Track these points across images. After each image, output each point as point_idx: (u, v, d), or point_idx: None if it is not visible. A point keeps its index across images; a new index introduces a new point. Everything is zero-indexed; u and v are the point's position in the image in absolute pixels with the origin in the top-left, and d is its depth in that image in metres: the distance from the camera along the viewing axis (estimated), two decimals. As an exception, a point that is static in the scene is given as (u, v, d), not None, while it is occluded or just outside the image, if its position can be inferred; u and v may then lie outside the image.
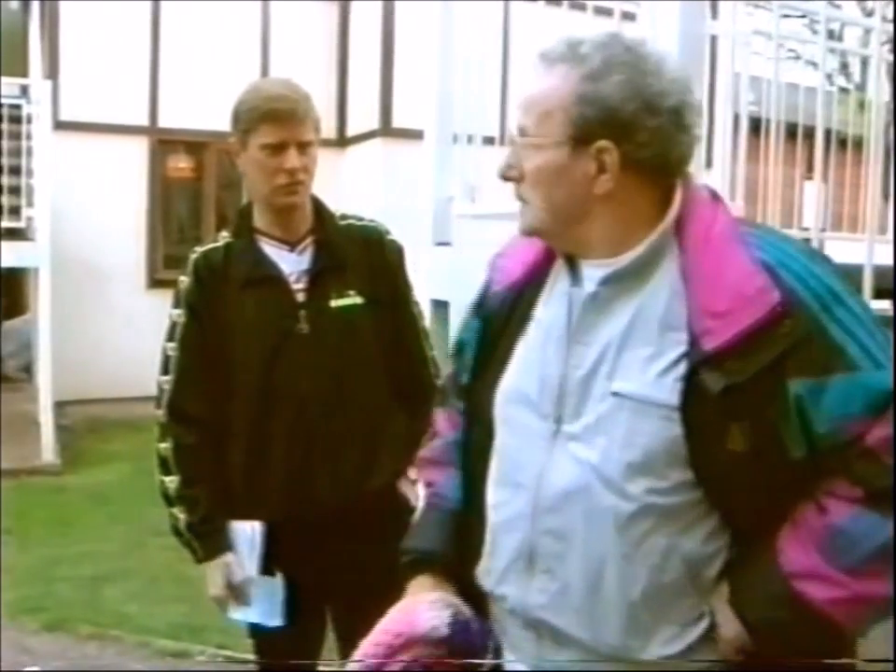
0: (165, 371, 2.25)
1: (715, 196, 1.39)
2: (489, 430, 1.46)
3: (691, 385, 1.26)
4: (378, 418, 2.27)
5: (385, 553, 2.28)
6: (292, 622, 2.23)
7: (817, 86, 3.01)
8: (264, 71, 9.42)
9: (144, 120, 9.54)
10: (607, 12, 3.10)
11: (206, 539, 2.22)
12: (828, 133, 3.74)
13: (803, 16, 5.75)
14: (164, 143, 9.68)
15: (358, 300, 2.23)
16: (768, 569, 1.29)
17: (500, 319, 1.50)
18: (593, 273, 1.38)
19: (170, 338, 2.25)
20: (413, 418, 2.21)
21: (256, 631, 2.33)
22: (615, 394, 1.31)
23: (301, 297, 2.22)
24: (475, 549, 1.46)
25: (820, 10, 3.00)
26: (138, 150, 9.54)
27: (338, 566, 2.25)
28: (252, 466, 2.21)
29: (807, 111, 3.57)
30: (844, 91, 7.97)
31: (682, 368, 1.27)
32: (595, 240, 1.36)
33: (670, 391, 1.27)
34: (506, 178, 1.41)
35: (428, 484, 1.61)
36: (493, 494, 1.45)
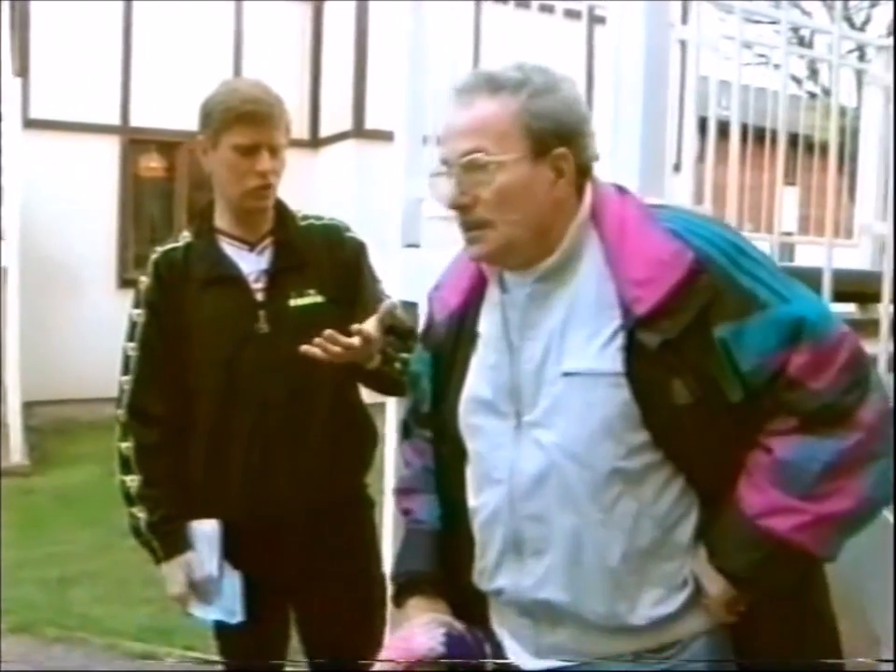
0: (126, 370, 2.25)
1: (622, 189, 1.53)
2: (458, 446, 1.56)
3: (631, 350, 1.38)
4: (340, 417, 2.27)
5: (348, 552, 2.30)
6: (254, 620, 2.23)
7: (788, 90, 3.04)
8: (237, 71, 9.39)
9: (115, 119, 9.49)
10: (576, 15, 3.11)
11: (166, 539, 2.21)
12: (796, 137, 3.78)
13: (773, 22, 5.80)
14: (136, 142, 9.63)
15: (318, 298, 2.23)
16: (734, 518, 1.39)
17: (448, 344, 1.60)
18: (521, 278, 1.49)
19: (130, 338, 2.25)
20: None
21: (220, 632, 2.32)
22: (565, 374, 1.42)
23: (260, 296, 2.22)
24: (464, 558, 1.55)
25: (782, 16, 3.04)
26: (109, 149, 9.48)
27: (300, 566, 2.25)
28: (213, 465, 2.21)
29: (776, 115, 3.59)
30: (813, 96, 8.05)
31: (621, 337, 1.39)
32: (547, 246, 1.47)
33: (613, 360, 1.39)
34: (457, 207, 1.47)
35: (406, 512, 1.71)
36: (472, 499, 1.54)
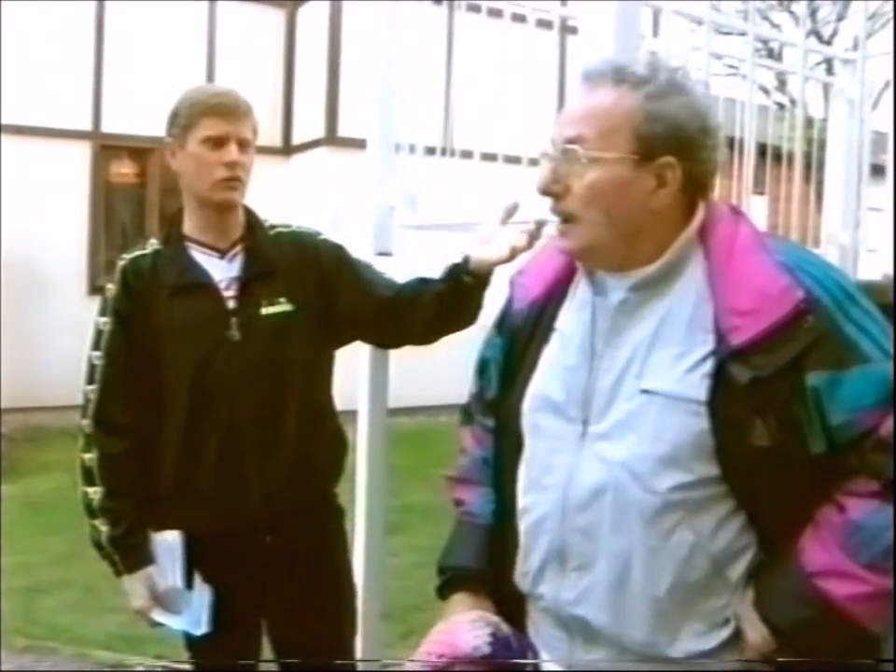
0: (90, 380, 2.22)
1: (736, 211, 1.47)
2: (518, 441, 1.51)
3: (718, 379, 1.32)
4: (310, 425, 2.27)
5: (318, 560, 2.30)
6: (225, 627, 2.22)
7: (759, 102, 3.09)
8: (210, 77, 9.37)
9: (87, 125, 9.43)
10: (548, 25, 3.13)
11: (128, 552, 2.20)
12: (765, 147, 3.82)
13: (742, 34, 5.87)
14: (107, 148, 9.58)
15: (289, 307, 2.23)
16: (790, 571, 1.33)
17: (524, 334, 1.55)
18: (617, 282, 1.43)
19: (95, 346, 2.23)
20: None
21: (191, 643, 2.31)
22: (644, 391, 1.36)
23: (231, 304, 2.21)
24: (511, 559, 1.51)
25: (750, 29, 3.08)
26: (81, 155, 9.43)
27: (270, 574, 2.25)
28: (183, 475, 2.20)
29: (745, 126, 3.64)
30: (781, 107, 8.14)
31: (709, 364, 1.33)
32: (640, 254, 1.41)
33: (697, 387, 1.33)
34: (547, 193, 1.42)
35: (458, 503, 1.66)
36: (522, 499, 1.49)
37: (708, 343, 1.34)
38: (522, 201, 2.12)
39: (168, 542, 2.19)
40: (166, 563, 2.19)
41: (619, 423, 1.37)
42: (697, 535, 1.34)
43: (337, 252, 2.36)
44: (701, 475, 1.33)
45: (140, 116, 8.97)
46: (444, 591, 1.58)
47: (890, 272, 2.99)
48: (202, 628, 2.20)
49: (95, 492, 2.20)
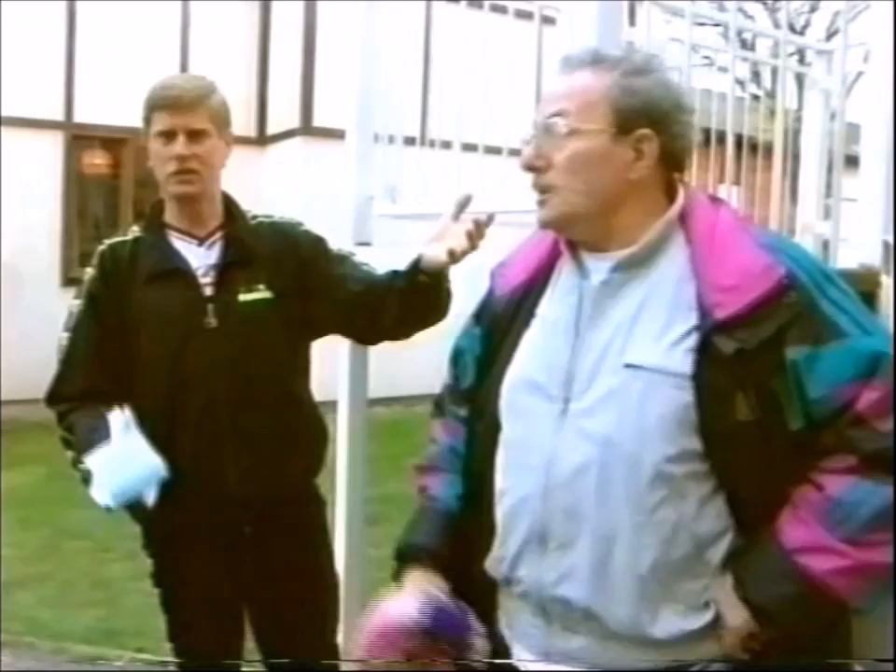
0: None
1: (715, 198, 1.53)
2: (495, 426, 1.52)
3: (702, 353, 1.35)
4: (288, 413, 2.27)
5: (299, 549, 2.30)
6: (208, 619, 2.22)
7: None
8: (183, 67, 9.29)
9: (59, 115, 9.32)
10: (527, 16, 3.14)
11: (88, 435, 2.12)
12: (740, 138, 3.85)
13: (717, 25, 5.90)
14: (80, 138, 9.49)
15: (267, 294, 2.23)
16: (770, 549, 1.35)
17: (503, 322, 1.58)
18: (600, 264, 1.46)
19: (66, 328, 2.24)
20: None
21: (174, 631, 2.31)
22: (628, 365, 1.38)
23: (208, 291, 2.21)
24: (478, 546, 1.51)
25: (731, 20, 3.10)
26: (52, 146, 9.32)
27: (252, 565, 2.24)
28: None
29: (720, 117, 3.66)
30: (755, 98, 8.19)
31: (693, 339, 1.36)
32: (619, 228, 1.45)
33: (682, 361, 1.35)
34: (531, 168, 1.47)
35: (422, 489, 1.66)
36: (500, 482, 1.50)
37: (692, 319, 1.37)
38: (477, 193, 2.14)
39: (120, 417, 2.08)
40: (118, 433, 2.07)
41: (601, 398, 1.39)
42: (680, 514, 1.35)
43: (317, 244, 2.36)
44: (684, 448, 1.35)
45: (113, 106, 8.89)
46: (398, 566, 1.59)
47: (866, 261, 3.02)
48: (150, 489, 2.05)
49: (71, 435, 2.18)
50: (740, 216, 1.50)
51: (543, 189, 1.46)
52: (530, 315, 1.54)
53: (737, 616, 1.35)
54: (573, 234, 1.50)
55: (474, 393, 1.62)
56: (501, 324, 1.58)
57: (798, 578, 1.32)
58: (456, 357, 1.70)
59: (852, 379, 1.33)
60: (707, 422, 1.34)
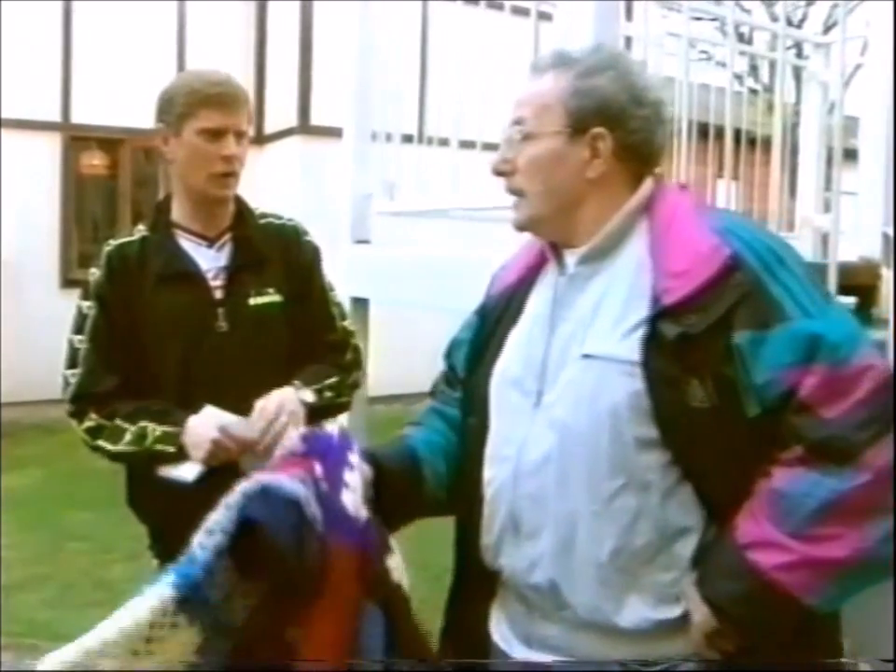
0: (72, 363, 2.17)
1: (683, 186, 1.57)
2: (485, 420, 1.56)
3: (650, 339, 1.36)
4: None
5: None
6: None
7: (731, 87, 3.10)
8: (181, 67, 9.26)
9: (56, 116, 9.30)
10: (524, 12, 3.13)
11: (174, 414, 2.08)
12: (738, 132, 3.85)
13: (714, 19, 5.90)
14: (78, 139, 9.45)
15: (277, 298, 2.21)
16: (725, 545, 1.34)
17: (494, 317, 1.63)
18: (571, 258, 1.51)
19: (78, 330, 2.18)
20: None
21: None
22: (585, 356, 1.41)
23: (219, 294, 2.18)
24: (476, 539, 1.53)
25: (728, 14, 3.09)
26: (50, 147, 9.30)
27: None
28: None
29: (718, 111, 3.66)
30: (753, 92, 8.18)
31: (645, 327, 1.37)
32: (584, 224, 1.48)
33: (633, 348, 1.37)
34: (498, 173, 1.53)
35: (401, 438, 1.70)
36: (486, 472, 1.53)
37: (646, 308, 1.38)
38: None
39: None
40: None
41: (563, 389, 1.42)
42: (642, 503, 1.35)
43: (316, 256, 2.35)
44: (640, 437, 1.35)
45: (110, 107, 8.88)
46: None
47: (866, 254, 3.02)
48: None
49: (104, 444, 2.11)
50: (700, 202, 1.53)
51: (513, 193, 1.52)
52: (518, 312, 1.58)
53: (700, 613, 1.34)
54: (543, 234, 1.56)
55: (467, 384, 1.66)
56: (492, 319, 1.63)
57: (748, 574, 1.31)
58: (452, 350, 1.75)
59: (792, 363, 1.31)
60: (658, 409, 1.34)
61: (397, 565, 1.47)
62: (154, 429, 2.07)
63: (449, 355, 1.75)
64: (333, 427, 1.55)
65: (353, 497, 1.42)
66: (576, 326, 1.44)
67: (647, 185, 1.49)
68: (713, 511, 1.36)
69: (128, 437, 2.09)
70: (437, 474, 1.62)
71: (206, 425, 2.03)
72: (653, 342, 1.35)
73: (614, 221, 1.46)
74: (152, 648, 1.33)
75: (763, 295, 1.33)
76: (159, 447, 2.06)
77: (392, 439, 1.68)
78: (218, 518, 1.39)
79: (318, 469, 1.42)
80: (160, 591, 1.38)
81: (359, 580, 1.39)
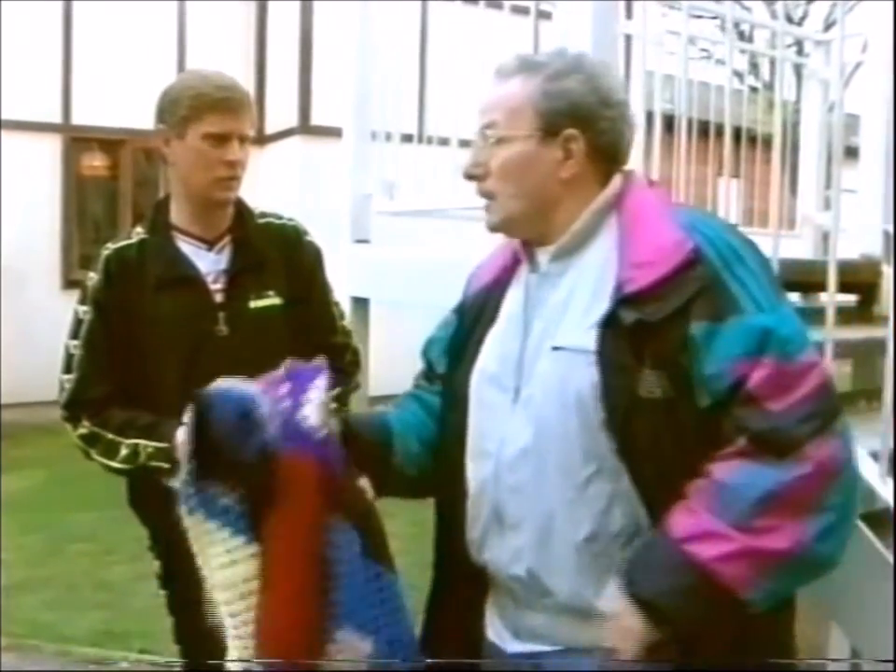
0: (67, 369, 2.17)
1: (652, 182, 1.60)
2: (466, 415, 1.58)
3: (607, 326, 1.39)
4: None
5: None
6: (210, 627, 2.21)
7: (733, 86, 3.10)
8: (181, 68, 9.26)
9: (57, 118, 9.31)
10: (523, 11, 3.12)
11: (156, 429, 2.06)
12: (739, 131, 3.84)
13: (715, 17, 5.89)
14: (78, 140, 9.46)
15: (277, 300, 2.21)
16: (658, 542, 1.33)
17: (472, 316, 1.65)
18: (543, 256, 1.54)
19: (74, 335, 2.17)
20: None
21: (182, 636, 2.29)
22: (554, 348, 1.45)
23: (219, 297, 2.18)
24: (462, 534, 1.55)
25: (727, 12, 3.08)
26: (51, 148, 9.30)
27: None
28: None
29: (719, 109, 3.65)
30: (754, 90, 8.18)
31: (605, 315, 1.40)
32: (557, 224, 1.50)
33: (593, 338, 1.40)
34: (470, 177, 1.55)
35: None
36: (468, 469, 1.56)
37: (609, 300, 1.41)
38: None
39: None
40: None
41: (536, 382, 1.45)
42: (615, 487, 1.37)
43: (317, 257, 2.34)
44: (602, 423, 1.37)
45: (111, 108, 8.88)
46: None
47: (867, 251, 3.02)
48: None
49: (96, 451, 2.12)
50: (667, 197, 1.57)
51: (485, 196, 1.54)
52: (495, 311, 1.60)
53: (626, 615, 1.32)
54: (517, 235, 1.58)
55: (447, 383, 1.68)
56: (470, 317, 1.66)
57: (683, 566, 1.29)
58: (428, 347, 1.78)
59: (742, 355, 1.33)
60: (607, 396, 1.37)
61: (367, 486, 1.52)
62: (145, 446, 2.07)
63: (426, 351, 1.78)
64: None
65: (311, 411, 1.47)
66: (548, 322, 1.48)
67: (615, 182, 1.52)
68: (649, 507, 1.36)
69: (123, 452, 2.09)
70: (408, 451, 1.65)
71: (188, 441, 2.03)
72: (610, 330, 1.38)
73: (583, 218, 1.49)
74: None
75: (720, 289, 1.36)
76: (153, 463, 2.06)
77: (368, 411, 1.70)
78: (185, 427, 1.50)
79: (284, 388, 1.50)
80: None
81: (321, 492, 1.43)
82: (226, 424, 1.45)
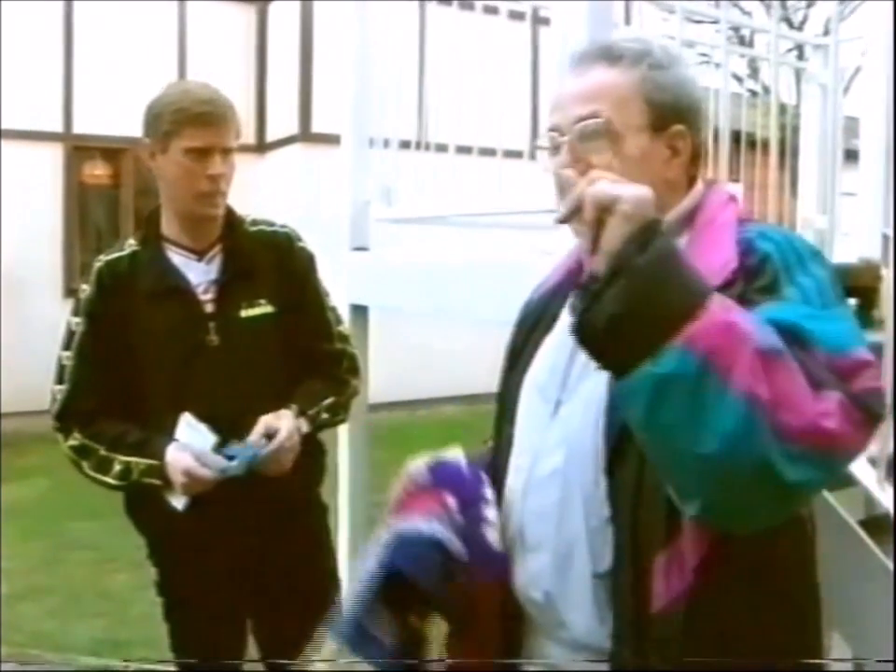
0: (60, 380, 2.18)
1: (733, 198, 1.43)
2: (513, 424, 1.49)
3: None
4: None
5: (304, 558, 2.28)
6: (207, 631, 2.21)
7: (733, 90, 3.10)
8: (181, 75, 9.30)
9: (58, 126, 9.33)
10: (520, 16, 3.13)
11: (154, 445, 2.08)
12: (738, 134, 3.84)
13: (715, 21, 5.89)
14: (80, 149, 9.49)
15: (269, 309, 2.20)
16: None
17: (530, 321, 1.54)
18: None
19: (66, 346, 2.19)
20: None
21: (177, 644, 2.29)
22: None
23: (209, 308, 2.18)
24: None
25: (722, 16, 3.08)
26: (53, 157, 9.33)
27: (255, 574, 2.23)
28: None
29: (718, 114, 3.64)
30: (754, 94, 8.17)
31: None
32: None
33: None
34: (563, 179, 1.33)
35: None
36: (508, 481, 1.47)
37: None
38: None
39: (188, 420, 2.09)
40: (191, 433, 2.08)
41: (578, 400, 1.36)
42: None
43: (310, 262, 2.34)
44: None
45: (112, 116, 8.90)
46: None
47: (866, 254, 3.01)
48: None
49: (88, 465, 2.14)
50: (742, 213, 1.41)
51: None
52: (555, 317, 1.49)
53: None
54: None
55: (502, 387, 1.58)
56: (527, 323, 1.56)
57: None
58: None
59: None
60: None
61: None
62: (137, 463, 2.09)
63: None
64: (455, 454, 1.49)
65: (495, 534, 1.40)
66: None
67: (698, 188, 1.41)
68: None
69: (116, 468, 2.11)
70: None
71: (178, 459, 2.04)
72: None
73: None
74: None
75: (775, 292, 1.22)
76: (145, 480, 2.08)
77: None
78: (363, 576, 1.38)
79: (451, 502, 1.40)
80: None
81: (502, 615, 1.39)
82: (429, 577, 1.34)
